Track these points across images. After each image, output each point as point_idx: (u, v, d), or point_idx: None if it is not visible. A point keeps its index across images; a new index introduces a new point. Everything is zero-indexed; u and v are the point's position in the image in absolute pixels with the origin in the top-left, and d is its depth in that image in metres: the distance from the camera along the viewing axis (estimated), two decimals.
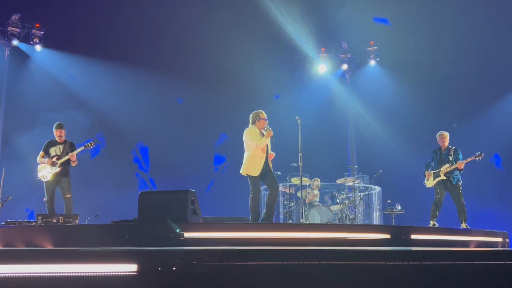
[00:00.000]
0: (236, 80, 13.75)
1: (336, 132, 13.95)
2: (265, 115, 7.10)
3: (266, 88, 13.86)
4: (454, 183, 7.95)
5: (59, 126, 7.92)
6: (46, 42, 12.98)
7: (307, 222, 9.16)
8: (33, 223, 6.61)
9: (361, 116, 13.85)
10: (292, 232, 6.05)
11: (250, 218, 6.97)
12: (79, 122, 11.81)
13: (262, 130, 6.96)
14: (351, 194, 10.26)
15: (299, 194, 9.61)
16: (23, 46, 12.83)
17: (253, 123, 7.08)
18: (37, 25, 12.79)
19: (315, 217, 9.58)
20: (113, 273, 3.99)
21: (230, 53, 13.33)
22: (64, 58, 13.18)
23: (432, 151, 8.41)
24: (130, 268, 4.00)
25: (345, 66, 14.02)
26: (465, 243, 6.61)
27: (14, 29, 12.52)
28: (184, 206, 5.91)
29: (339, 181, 10.47)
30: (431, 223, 7.97)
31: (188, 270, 3.93)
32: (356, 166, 11.11)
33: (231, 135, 14.18)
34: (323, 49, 14.05)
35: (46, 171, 7.65)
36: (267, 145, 6.95)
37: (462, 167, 7.93)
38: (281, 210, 10.53)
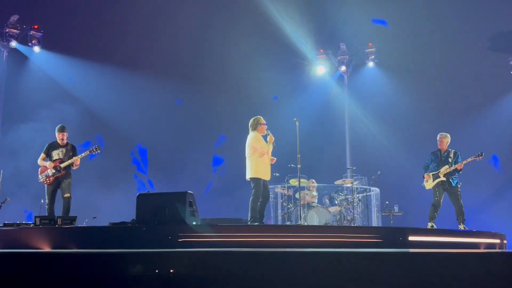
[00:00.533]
0: (234, 81, 13.76)
1: (334, 133, 13.96)
2: (264, 120, 7.18)
3: (265, 90, 13.86)
4: (453, 185, 7.97)
5: (62, 129, 7.81)
6: (45, 44, 12.97)
7: (305, 224, 9.17)
8: (32, 225, 6.60)
9: (359, 117, 13.86)
10: (291, 233, 6.04)
11: (249, 218, 6.96)
12: (77, 124, 11.79)
13: (261, 136, 7.09)
14: (349, 196, 10.26)
15: (297, 195, 9.61)
16: (21, 48, 12.82)
17: (255, 129, 7.21)
18: (36, 27, 12.79)
19: (313, 218, 9.58)
20: (111, 276, 3.99)
21: (228, 55, 13.34)
22: (62, 60, 13.17)
23: (431, 152, 8.41)
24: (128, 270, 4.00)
25: (343, 68, 14.02)
26: (463, 245, 6.61)
27: (12, 30, 12.51)
28: (182, 208, 5.91)
29: (337, 182, 10.47)
30: (429, 224, 7.98)
31: (186, 272, 3.93)
32: (354, 168, 11.11)
33: (230, 137, 14.18)
34: (321, 50, 14.06)
35: (47, 174, 7.59)
36: None
37: (461, 167, 7.95)
38: (279, 211, 10.53)
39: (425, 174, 8.27)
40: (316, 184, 10.59)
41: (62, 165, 7.57)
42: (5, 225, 6.55)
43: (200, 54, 13.54)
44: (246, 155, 7.18)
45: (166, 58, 13.70)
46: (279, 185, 10.23)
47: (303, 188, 9.92)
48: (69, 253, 4.43)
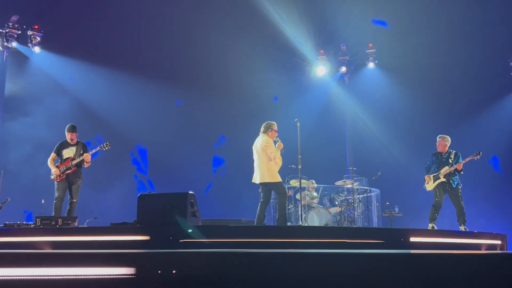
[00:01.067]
0: (234, 82, 13.76)
1: (335, 134, 13.96)
2: (276, 127, 7.32)
3: (265, 90, 13.87)
4: (454, 186, 7.97)
5: (72, 129, 7.82)
6: (45, 44, 12.97)
7: (306, 224, 9.17)
8: (32, 225, 6.59)
9: (359, 118, 13.86)
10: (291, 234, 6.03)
11: (282, 219, 7.00)
12: (77, 124, 11.76)
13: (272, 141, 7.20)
14: (349, 196, 10.27)
15: (298, 196, 9.61)
16: (22, 48, 12.82)
17: (265, 132, 7.26)
18: (36, 27, 12.78)
19: (313, 219, 9.59)
20: (112, 276, 3.98)
21: (229, 55, 13.34)
22: (62, 60, 13.16)
23: (432, 154, 8.42)
24: (129, 271, 3.99)
25: (343, 69, 14.03)
26: (464, 246, 6.61)
27: (12, 30, 12.51)
28: (184, 209, 5.90)
29: (337, 183, 10.48)
30: (430, 225, 7.98)
31: (188, 273, 3.92)
32: (354, 168, 11.11)
33: (230, 137, 14.18)
34: (321, 51, 14.06)
35: (59, 172, 7.59)
36: None
37: (461, 167, 7.95)
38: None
39: (426, 176, 8.27)
40: (316, 185, 10.60)
41: (73, 162, 7.59)
42: (5, 225, 6.54)
43: (200, 54, 13.54)
44: (257, 158, 7.16)
45: (166, 59, 13.70)
46: None
47: (303, 189, 9.93)
48: (69, 253, 4.42)
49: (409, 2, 13.02)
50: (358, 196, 10.34)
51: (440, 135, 8.37)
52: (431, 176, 8.18)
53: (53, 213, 7.48)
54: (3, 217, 8.41)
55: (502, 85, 12.87)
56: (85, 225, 7.93)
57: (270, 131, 7.24)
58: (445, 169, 8.01)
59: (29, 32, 12.70)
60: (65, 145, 7.80)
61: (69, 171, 7.60)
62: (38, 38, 12.81)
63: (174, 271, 3.91)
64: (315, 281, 4.09)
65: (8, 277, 3.98)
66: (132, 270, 3.98)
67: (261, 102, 13.77)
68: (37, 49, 12.82)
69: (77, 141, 7.86)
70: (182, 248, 5.16)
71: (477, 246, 6.83)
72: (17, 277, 3.98)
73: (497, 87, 12.89)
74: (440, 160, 8.17)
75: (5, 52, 12.67)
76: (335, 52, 14.17)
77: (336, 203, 10.31)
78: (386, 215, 10.70)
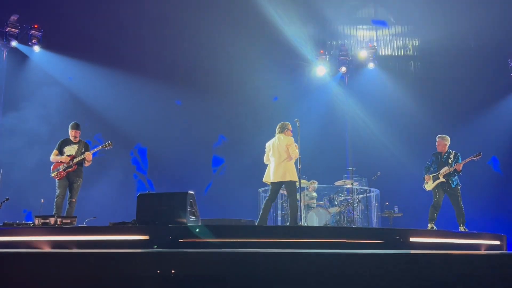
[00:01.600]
0: (234, 82, 13.76)
1: (335, 134, 13.96)
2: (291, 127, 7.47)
3: (265, 90, 13.87)
4: (453, 186, 7.97)
5: (75, 126, 7.84)
6: (45, 43, 12.96)
7: (305, 225, 9.16)
8: (31, 225, 6.59)
9: (359, 118, 13.87)
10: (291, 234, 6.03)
11: (294, 219, 7.06)
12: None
13: None
14: (349, 196, 10.27)
15: (297, 196, 9.59)
16: (21, 47, 12.81)
17: (282, 132, 7.34)
18: (36, 26, 12.78)
19: (313, 219, 9.58)
20: (112, 276, 3.97)
21: (228, 55, 13.35)
22: (62, 59, 13.16)
23: (431, 154, 8.42)
24: (129, 270, 3.98)
25: (343, 69, 14.03)
26: (464, 246, 6.61)
27: (12, 29, 12.50)
28: (183, 208, 5.90)
29: (337, 183, 10.48)
30: (429, 226, 7.98)
31: (187, 272, 3.92)
32: (354, 169, 11.11)
33: (230, 137, 14.18)
34: (321, 51, 14.07)
35: (60, 170, 7.60)
36: None
37: (461, 168, 7.95)
38: (279, 212, 10.53)
39: (426, 175, 8.27)
40: (316, 185, 10.59)
41: (75, 160, 7.59)
42: (4, 224, 6.54)
43: (201, 54, 13.54)
44: (275, 158, 7.19)
45: (166, 58, 13.70)
46: None
47: (303, 189, 9.92)
48: (69, 253, 4.42)
49: (409, 2, 13.04)
50: (357, 196, 10.34)
51: (439, 135, 8.36)
52: (431, 176, 8.18)
53: (54, 210, 7.49)
54: (3, 217, 8.41)
55: (501, 85, 12.87)
56: (84, 225, 7.92)
57: (286, 130, 7.33)
58: (445, 170, 8.01)
59: (29, 31, 12.70)
60: (67, 142, 7.82)
61: (70, 169, 7.61)
62: (38, 37, 12.81)
63: (173, 271, 3.91)
64: (315, 281, 4.09)
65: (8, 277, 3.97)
66: (132, 270, 3.98)
67: (261, 102, 13.77)
68: (36, 48, 12.82)
69: (80, 140, 7.87)
70: (181, 248, 5.15)
71: (476, 247, 6.83)
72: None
73: (497, 87, 12.90)
74: (440, 160, 8.17)
75: (4, 51, 12.66)
76: (335, 52, 14.18)
77: (336, 203, 10.31)
78: (386, 215, 10.70)
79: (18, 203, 11.28)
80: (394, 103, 13.33)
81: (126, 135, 13.43)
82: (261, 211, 7.18)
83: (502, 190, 12.33)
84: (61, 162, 7.62)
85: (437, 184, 8.07)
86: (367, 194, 10.81)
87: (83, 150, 7.73)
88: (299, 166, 7.56)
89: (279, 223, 10.28)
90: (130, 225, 6.09)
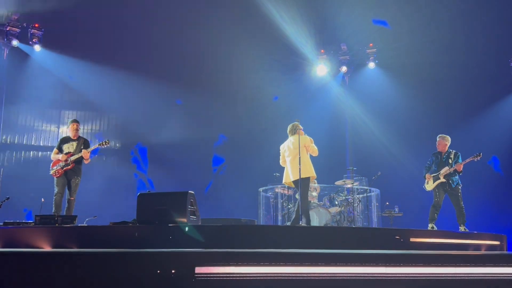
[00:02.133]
0: (235, 81, 13.76)
1: (335, 134, 13.96)
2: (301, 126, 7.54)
3: (265, 90, 13.87)
4: (453, 186, 7.97)
5: (73, 123, 7.87)
6: (45, 42, 12.97)
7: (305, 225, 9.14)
8: (32, 224, 6.59)
9: (360, 118, 13.86)
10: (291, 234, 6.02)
11: (303, 222, 7.08)
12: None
13: None
14: (349, 196, 10.26)
15: (297, 196, 9.58)
16: (22, 46, 12.82)
17: (295, 133, 7.44)
18: (36, 25, 12.78)
19: (313, 219, 9.57)
20: (112, 276, 3.97)
21: (229, 55, 13.35)
22: (63, 58, 13.17)
23: (432, 153, 8.42)
24: (130, 270, 3.99)
25: (344, 68, 14.03)
26: (464, 246, 6.61)
27: (13, 29, 12.50)
28: (183, 208, 5.89)
29: (337, 183, 10.47)
30: (430, 226, 7.98)
31: (187, 272, 3.92)
32: (354, 168, 11.11)
33: (230, 136, 14.18)
34: (322, 50, 14.07)
35: (58, 167, 7.59)
36: None
37: (461, 169, 7.95)
38: (279, 212, 10.53)
39: (426, 175, 8.27)
40: (317, 185, 10.58)
41: (72, 158, 7.56)
42: (5, 224, 6.53)
43: (201, 54, 13.54)
44: (292, 157, 7.27)
45: (166, 57, 13.70)
46: (279, 185, 10.22)
47: None
48: (69, 253, 4.42)
49: (409, 2, 13.02)
50: (358, 196, 10.33)
51: (440, 135, 8.36)
52: (431, 175, 8.18)
53: (53, 208, 7.49)
54: (3, 216, 8.41)
55: (502, 85, 12.86)
56: (84, 224, 7.92)
57: (299, 131, 7.42)
58: (445, 170, 8.00)
59: (30, 31, 12.70)
60: (66, 139, 7.81)
61: (68, 167, 7.58)
62: (39, 36, 12.82)
63: (173, 271, 3.91)
64: (315, 281, 4.10)
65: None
66: (132, 270, 3.98)
67: (261, 102, 13.77)
68: (37, 47, 12.82)
69: (79, 137, 7.85)
70: (182, 247, 5.15)
71: (476, 247, 6.82)
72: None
73: (497, 87, 12.89)
74: (440, 160, 8.17)
75: (5, 50, 12.67)
76: (336, 52, 14.18)
77: (336, 203, 10.30)
78: (386, 215, 10.70)
79: (19, 202, 11.28)
80: (394, 103, 13.32)
81: (127, 134, 13.44)
82: (295, 213, 7.24)
83: (503, 190, 12.32)
84: (59, 160, 7.62)
85: (438, 184, 8.07)
86: (367, 194, 10.81)
87: (81, 147, 7.69)
88: (299, 166, 7.55)
89: (279, 223, 10.28)
90: (131, 224, 6.09)
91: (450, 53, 12.80)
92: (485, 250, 6.87)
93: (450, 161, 8.05)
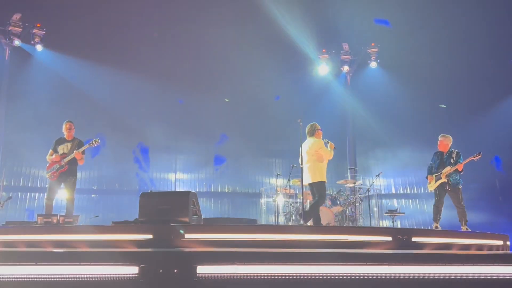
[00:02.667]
0: (236, 80, 13.76)
1: (337, 133, 13.94)
2: (320, 126, 7.51)
3: (267, 89, 13.87)
4: (454, 186, 7.94)
5: (67, 124, 7.79)
6: (47, 42, 12.99)
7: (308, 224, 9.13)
8: (34, 224, 6.59)
9: (361, 117, 13.85)
10: (294, 234, 6.02)
11: (307, 220, 7.06)
12: (79, 122, 11.77)
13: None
14: (351, 196, 10.25)
15: (299, 195, 9.59)
16: (24, 46, 12.84)
17: (313, 134, 7.39)
18: (38, 25, 12.80)
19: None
20: (114, 276, 3.97)
21: (231, 54, 13.34)
22: (65, 58, 13.18)
23: (434, 153, 8.39)
24: (131, 270, 3.99)
25: (346, 68, 14.02)
26: (466, 246, 6.59)
27: (15, 28, 12.52)
28: (185, 208, 5.89)
29: (339, 182, 10.47)
30: (434, 225, 7.95)
31: (189, 272, 3.91)
32: (356, 168, 11.11)
33: (232, 136, 14.18)
34: (324, 50, 14.06)
35: (53, 170, 7.57)
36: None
37: (462, 168, 7.92)
38: (281, 211, 10.53)
39: (428, 176, 8.24)
40: None
41: (65, 159, 7.53)
42: (7, 223, 6.54)
43: (203, 53, 13.54)
44: (305, 161, 7.22)
45: (168, 57, 13.70)
46: (280, 186, 10.23)
47: (306, 189, 9.90)
48: (69, 253, 4.42)
49: (411, 1, 13.00)
50: (360, 195, 10.32)
51: (442, 135, 8.32)
52: (433, 176, 8.15)
53: (44, 211, 7.42)
54: (5, 215, 8.43)
55: (504, 84, 12.84)
56: (86, 223, 7.92)
57: (317, 131, 7.40)
58: (447, 169, 7.98)
59: (32, 30, 12.72)
60: (61, 140, 7.75)
61: (62, 169, 7.51)
62: (41, 36, 12.83)
63: (175, 270, 3.91)
64: (315, 281, 4.09)
65: (10, 276, 3.97)
66: (134, 270, 3.98)
67: (263, 101, 13.76)
68: (39, 47, 12.84)
69: (74, 137, 7.79)
70: (184, 247, 5.15)
71: (479, 247, 6.80)
72: (19, 276, 3.98)
73: (499, 87, 12.87)
74: (441, 159, 8.14)
75: (7, 49, 12.69)
76: (338, 51, 14.17)
77: (338, 202, 10.30)
78: (388, 214, 10.68)
79: (21, 202, 11.30)
80: (396, 102, 13.31)
81: (129, 134, 13.44)
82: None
83: (505, 189, 12.30)
84: (54, 162, 7.57)
85: (439, 184, 8.05)
86: (370, 194, 10.80)
87: (76, 148, 7.64)
88: (301, 166, 7.55)
89: (281, 222, 10.27)
90: (133, 224, 6.09)
91: (452, 52, 12.78)
92: (487, 250, 6.85)
93: (451, 160, 8.02)
